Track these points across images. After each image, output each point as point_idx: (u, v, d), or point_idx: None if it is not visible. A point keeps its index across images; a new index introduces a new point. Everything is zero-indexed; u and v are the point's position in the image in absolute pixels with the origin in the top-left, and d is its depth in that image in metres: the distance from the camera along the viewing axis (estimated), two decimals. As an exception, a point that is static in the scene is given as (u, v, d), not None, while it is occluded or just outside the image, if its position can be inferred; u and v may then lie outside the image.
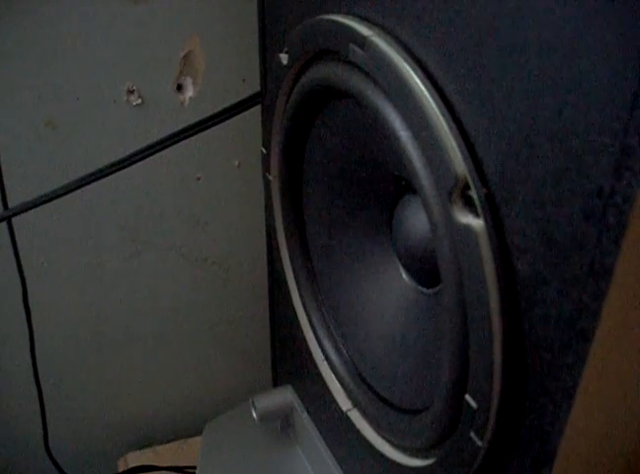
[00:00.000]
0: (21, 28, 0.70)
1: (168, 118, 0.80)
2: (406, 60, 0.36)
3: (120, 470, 0.97)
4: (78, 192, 0.67)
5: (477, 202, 0.33)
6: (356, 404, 0.53)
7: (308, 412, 0.70)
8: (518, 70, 0.29)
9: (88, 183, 0.66)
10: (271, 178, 0.58)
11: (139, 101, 0.78)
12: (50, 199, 0.67)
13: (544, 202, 0.30)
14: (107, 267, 0.87)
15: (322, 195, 0.54)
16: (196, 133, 0.66)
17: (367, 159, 0.48)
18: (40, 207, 0.68)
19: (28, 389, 0.87)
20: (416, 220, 0.46)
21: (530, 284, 0.32)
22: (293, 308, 0.60)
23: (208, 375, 1.03)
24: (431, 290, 0.46)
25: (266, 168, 0.59)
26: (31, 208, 0.67)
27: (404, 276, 0.49)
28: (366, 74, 0.39)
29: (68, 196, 0.67)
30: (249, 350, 1.02)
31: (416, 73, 0.35)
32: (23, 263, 0.79)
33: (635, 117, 0.24)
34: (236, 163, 0.86)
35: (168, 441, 1.02)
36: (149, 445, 1.02)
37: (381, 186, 0.49)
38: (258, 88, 0.64)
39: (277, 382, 0.81)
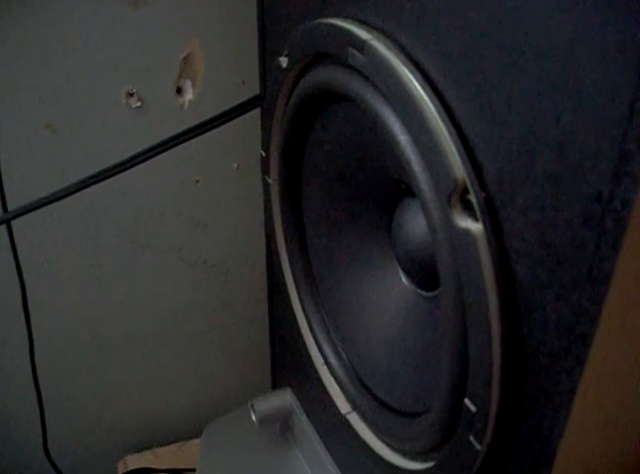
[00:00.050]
0: (21, 30, 0.70)
1: (167, 121, 0.80)
2: (405, 64, 0.36)
3: (120, 473, 0.96)
4: (78, 194, 0.67)
5: (476, 207, 0.33)
6: (355, 407, 0.53)
7: (307, 415, 0.70)
8: (516, 75, 0.30)
9: (87, 185, 0.66)
10: (270, 181, 0.58)
11: (139, 103, 0.78)
12: (50, 202, 0.67)
13: (543, 207, 0.30)
14: (106, 269, 0.87)
15: (321, 198, 0.54)
16: (195, 136, 0.66)
17: (367, 162, 0.48)
18: (40, 210, 0.68)
19: (27, 391, 0.87)
20: (415, 224, 0.47)
21: (529, 289, 0.32)
22: (293, 311, 0.60)
23: (208, 378, 1.02)
24: (430, 294, 0.46)
25: (265, 171, 0.59)
26: (30, 211, 0.67)
27: (403, 279, 0.49)
28: (366, 78, 0.39)
29: (68, 198, 0.67)
30: (248, 352, 1.02)
31: (415, 77, 0.35)
32: (22, 265, 0.79)
33: (634, 122, 0.24)
34: (235, 166, 0.86)
35: (167, 444, 1.02)
36: (148, 448, 1.02)
37: (381, 189, 0.49)
38: (257, 91, 0.64)
39: (276, 385, 0.81)
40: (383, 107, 0.38)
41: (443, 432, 0.39)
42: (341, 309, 0.55)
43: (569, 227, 0.28)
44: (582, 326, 0.29)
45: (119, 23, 0.74)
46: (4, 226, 0.76)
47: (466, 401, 0.36)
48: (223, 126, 0.67)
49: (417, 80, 0.35)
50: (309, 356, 0.59)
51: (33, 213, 0.68)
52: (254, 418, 0.71)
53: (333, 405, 0.56)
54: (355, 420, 0.53)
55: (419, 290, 0.48)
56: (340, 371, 0.55)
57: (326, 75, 0.44)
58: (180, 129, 0.66)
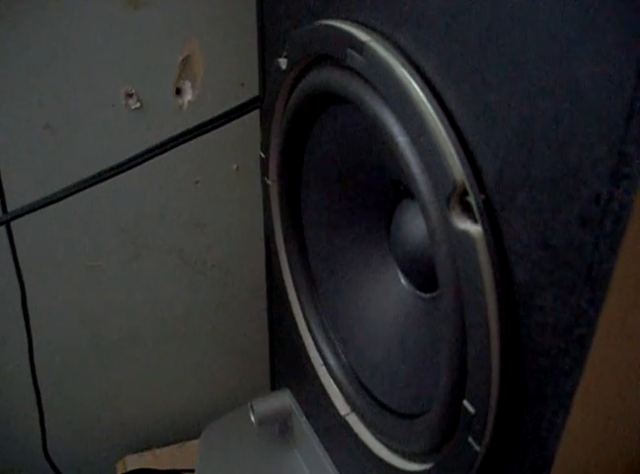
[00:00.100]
0: (20, 31, 0.70)
1: (167, 122, 0.80)
2: (404, 66, 0.36)
3: (119, 473, 0.96)
4: (77, 195, 0.67)
5: (475, 208, 0.33)
6: (354, 408, 0.53)
7: (306, 416, 0.70)
8: (515, 77, 0.30)
9: (87, 186, 0.66)
10: (269, 182, 0.58)
11: (138, 104, 0.78)
12: (49, 203, 0.67)
13: (542, 209, 0.30)
14: (106, 270, 0.87)
15: (320, 199, 0.54)
16: (194, 137, 0.66)
17: (366, 164, 0.48)
18: (39, 211, 0.68)
19: (26, 392, 0.87)
20: (414, 225, 0.47)
21: (528, 291, 0.32)
22: (292, 312, 0.60)
23: (207, 378, 1.02)
24: (429, 295, 0.46)
25: (264, 172, 0.59)
26: (30, 212, 0.67)
27: (402, 280, 0.49)
28: (365, 79, 0.39)
29: (67, 199, 0.67)
30: (248, 353, 1.02)
31: (414, 79, 0.35)
32: (22, 266, 0.79)
33: (632, 124, 0.24)
34: (235, 167, 0.86)
35: (167, 444, 1.02)
36: (148, 448, 1.02)
37: (380, 190, 0.49)
38: (257, 92, 0.64)
39: (275, 386, 0.81)
40: (382, 108, 0.38)
41: (442, 433, 0.39)
42: (340, 310, 0.55)
43: (568, 229, 0.28)
44: (581, 328, 0.29)
45: (118, 24, 0.74)
46: (3, 227, 0.76)
47: (465, 402, 0.36)
48: (223, 128, 0.67)
49: (416, 81, 0.35)
50: (308, 358, 0.59)
51: (32, 214, 0.68)
52: (253, 419, 0.71)
53: (332, 406, 0.56)
54: (354, 421, 0.53)
55: (418, 292, 0.48)
56: (339, 372, 0.55)
57: (325, 77, 0.44)
58: (179, 130, 0.66)
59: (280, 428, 0.76)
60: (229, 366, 1.03)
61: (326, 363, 0.56)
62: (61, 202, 0.67)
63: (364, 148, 0.46)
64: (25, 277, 0.80)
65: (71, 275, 0.86)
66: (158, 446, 1.02)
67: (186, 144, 0.66)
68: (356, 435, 0.53)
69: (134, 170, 0.67)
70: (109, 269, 0.87)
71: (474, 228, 0.32)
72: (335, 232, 0.54)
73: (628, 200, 0.25)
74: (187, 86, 0.80)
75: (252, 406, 0.72)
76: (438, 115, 0.34)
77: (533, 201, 0.30)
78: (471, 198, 0.33)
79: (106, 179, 0.66)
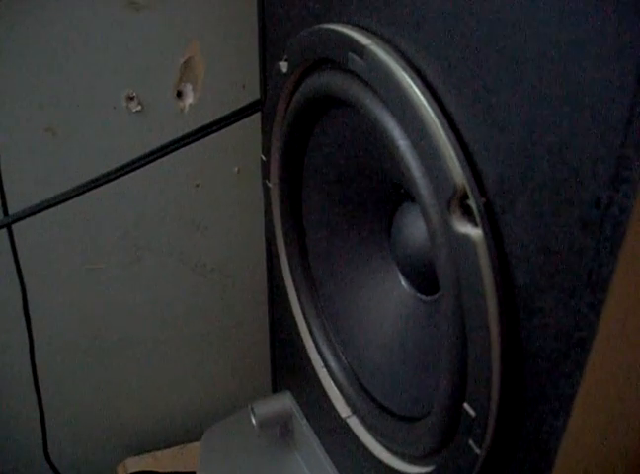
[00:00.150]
0: (21, 33, 0.71)
1: (168, 125, 0.80)
2: (405, 69, 0.36)
3: (119, 476, 0.97)
4: (78, 198, 0.67)
5: (476, 212, 0.33)
6: (354, 411, 0.53)
7: (307, 418, 0.70)
8: (516, 81, 0.30)
9: (88, 189, 0.66)
10: (270, 185, 0.58)
11: (139, 107, 0.78)
12: (51, 206, 0.67)
13: (542, 213, 0.30)
14: (107, 272, 0.87)
15: (321, 202, 0.54)
16: (196, 140, 0.66)
17: (366, 167, 0.48)
18: (41, 213, 0.68)
19: (27, 394, 0.87)
20: (414, 228, 0.47)
21: (528, 294, 0.32)
22: (292, 314, 0.60)
23: (208, 381, 1.02)
24: (429, 298, 0.46)
25: (265, 175, 0.59)
26: (31, 215, 0.67)
27: (403, 283, 0.50)
28: (365, 83, 0.40)
29: (68, 202, 0.67)
30: (248, 355, 1.02)
31: (415, 82, 0.35)
32: (23, 268, 0.79)
33: (632, 128, 0.24)
34: (236, 169, 0.86)
35: (167, 447, 1.02)
36: (148, 451, 1.02)
37: (380, 193, 0.49)
38: (257, 95, 0.64)
39: (276, 388, 0.81)
40: (383, 112, 0.38)
41: (443, 436, 0.40)
42: (340, 312, 0.55)
43: (568, 233, 0.28)
44: (581, 331, 0.29)
45: (119, 26, 0.74)
46: (5, 230, 0.76)
47: (465, 405, 0.36)
48: (224, 130, 0.67)
49: (416, 85, 0.35)
50: (309, 360, 0.59)
51: (33, 217, 0.68)
52: (254, 421, 0.71)
53: (333, 408, 0.56)
54: (354, 423, 0.53)
55: (418, 294, 0.48)
56: (339, 375, 0.55)
57: (326, 80, 0.44)
58: (180, 133, 0.66)
59: (280, 430, 0.76)
60: (230, 369, 1.03)
61: (327, 366, 0.56)
62: (62, 205, 0.67)
63: (365, 151, 0.46)
64: (26, 279, 0.80)
65: (72, 276, 0.86)
66: (159, 449, 1.02)
67: (187, 147, 0.66)
68: (356, 438, 0.53)
69: (135, 172, 0.67)
70: (109, 271, 0.87)
71: (475, 232, 0.32)
72: (336, 235, 0.54)
73: (628, 205, 0.25)
74: (188, 89, 0.80)
75: (253, 408, 0.72)
76: (438, 118, 0.34)
77: (534, 205, 0.30)
78: (472, 202, 0.33)
79: (107, 181, 0.66)
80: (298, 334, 0.60)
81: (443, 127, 0.34)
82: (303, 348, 0.59)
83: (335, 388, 0.56)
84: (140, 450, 1.02)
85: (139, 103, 0.78)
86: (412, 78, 0.36)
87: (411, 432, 0.44)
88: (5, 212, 0.74)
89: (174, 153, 0.66)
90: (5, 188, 0.74)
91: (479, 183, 0.33)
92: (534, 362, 0.32)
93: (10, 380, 0.90)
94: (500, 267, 0.33)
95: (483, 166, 0.33)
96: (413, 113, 0.35)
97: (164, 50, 0.77)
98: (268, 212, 0.61)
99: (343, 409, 0.55)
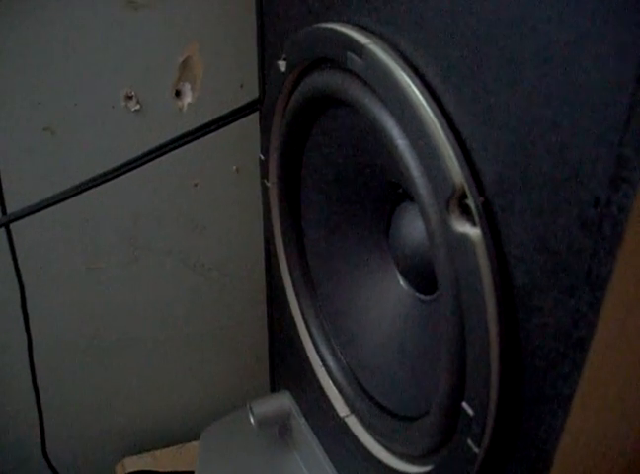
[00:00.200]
0: (20, 32, 0.70)
1: (166, 124, 0.80)
2: (404, 69, 0.36)
3: (118, 475, 0.97)
4: (76, 197, 0.67)
5: (474, 211, 0.33)
6: (353, 410, 0.53)
7: (306, 417, 0.70)
8: (515, 80, 0.30)
9: (87, 188, 0.66)
10: (269, 184, 0.58)
11: (138, 106, 0.78)
12: (49, 205, 0.67)
13: (541, 212, 0.30)
14: (105, 271, 0.87)
15: (320, 201, 0.54)
16: (194, 139, 0.66)
17: (365, 166, 0.48)
18: (39, 213, 0.68)
19: (26, 394, 0.87)
20: (413, 228, 0.47)
21: (527, 293, 0.32)
22: (291, 314, 0.60)
23: (206, 380, 1.02)
24: (428, 297, 0.46)
25: (264, 174, 0.59)
26: (29, 214, 0.67)
27: (402, 282, 0.50)
28: (364, 82, 0.40)
29: (67, 201, 0.67)
30: (247, 355, 1.02)
31: (414, 82, 0.35)
32: (21, 268, 0.79)
33: (631, 128, 0.24)
34: (234, 169, 0.86)
35: (166, 446, 1.02)
36: (147, 450, 1.01)
37: (379, 193, 0.49)
38: (256, 94, 0.64)
39: (274, 388, 0.81)
40: (382, 111, 0.38)
41: (441, 435, 0.40)
42: (339, 312, 0.55)
43: (567, 232, 0.28)
44: (579, 330, 0.29)
45: (118, 25, 0.74)
46: (3, 229, 0.76)
47: (464, 404, 0.36)
48: (222, 130, 0.67)
49: (415, 85, 0.35)
50: (307, 359, 0.59)
51: (32, 216, 0.68)
52: (252, 420, 0.71)
53: (331, 408, 0.56)
54: (353, 423, 0.53)
55: (417, 294, 0.48)
56: (338, 374, 0.55)
57: (324, 79, 0.44)
58: (179, 132, 0.66)
59: (279, 429, 0.76)
60: (229, 368, 1.03)
61: (325, 365, 0.56)
62: (61, 204, 0.67)
63: (364, 151, 0.46)
64: (24, 279, 0.80)
65: (71, 276, 0.86)
66: (157, 448, 1.02)
67: (185, 146, 0.66)
68: (355, 437, 0.53)
69: (134, 172, 0.66)
70: (108, 270, 0.87)
71: (473, 231, 0.32)
72: (334, 234, 0.54)
73: (627, 204, 0.25)
74: (186, 88, 0.80)
75: (251, 407, 0.72)
76: (437, 118, 0.34)
77: (532, 205, 0.30)
78: (470, 202, 0.33)
79: (105, 181, 0.66)
80: (297, 333, 0.60)
81: (442, 127, 0.34)
82: (302, 347, 0.59)
83: (333, 387, 0.56)
84: (139, 450, 1.02)
85: (138, 102, 0.78)
86: (411, 77, 0.36)
87: (409, 431, 0.44)
88: (3, 212, 0.74)
89: (172, 152, 0.66)
90: (3, 187, 0.74)
91: (478, 182, 0.33)
92: (533, 362, 0.32)
93: (8, 380, 0.90)
94: (499, 266, 0.33)
95: (482, 165, 0.33)
96: (412, 112, 0.35)
97: (163, 50, 0.77)
98: (266, 212, 0.61)
99: (341, 408, 0.55)
